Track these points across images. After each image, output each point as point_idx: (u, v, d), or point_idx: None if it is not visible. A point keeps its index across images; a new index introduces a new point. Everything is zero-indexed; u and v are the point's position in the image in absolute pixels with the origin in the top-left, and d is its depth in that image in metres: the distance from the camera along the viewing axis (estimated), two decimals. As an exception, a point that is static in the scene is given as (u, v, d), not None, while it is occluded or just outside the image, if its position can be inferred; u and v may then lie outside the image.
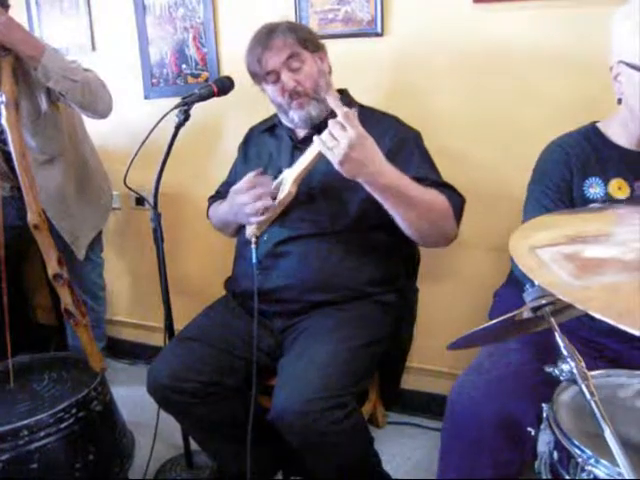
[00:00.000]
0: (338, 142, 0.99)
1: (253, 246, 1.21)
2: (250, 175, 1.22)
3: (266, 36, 1.21)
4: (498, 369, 0.98)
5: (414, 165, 1.18)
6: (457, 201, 1.18)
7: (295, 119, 1.25)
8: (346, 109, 1.01)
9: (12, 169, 1.33)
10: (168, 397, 1.19)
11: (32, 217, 1.29)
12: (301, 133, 1.29)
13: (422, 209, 1.10)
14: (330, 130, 1.01)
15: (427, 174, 1.18)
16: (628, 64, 0.98)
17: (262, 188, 1.19)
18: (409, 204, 1.08)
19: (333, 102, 1.02)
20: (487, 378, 0.96)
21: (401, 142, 1.22)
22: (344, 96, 1.33)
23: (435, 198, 1.12)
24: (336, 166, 1.03)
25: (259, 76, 1.24)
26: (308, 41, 1.22)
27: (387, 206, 1.09)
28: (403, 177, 1.07)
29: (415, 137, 1.27)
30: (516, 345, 1.02)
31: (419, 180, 1.12)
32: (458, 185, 1.37)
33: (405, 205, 1.08)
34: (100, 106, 1.49)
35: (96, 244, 1.82)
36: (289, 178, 1.17)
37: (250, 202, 1.19)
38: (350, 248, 1.23)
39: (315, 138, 1.04)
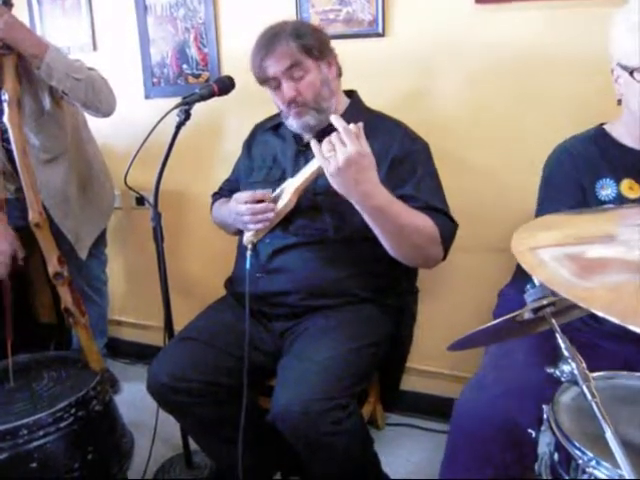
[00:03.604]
0: (335, 154, 0.99)
1: (249, 252, 1.21)
2: (260, 191, 1.21)
3: (269, 41, 1.18)
4: (503, 379, 0.97)
5: (413, 182, 1.17)
6: (447, 227, 1.16)
7: (294, 126, 1.25)
8: (352, 125, 1.00)
9: (16, 169, 1.33)
10: (168, 397, 1.18)
11: (33, 216, 1.29)
12: (306, 137, 1.27)
13: (408, 234, 1.09)
14: (331, 140, 1.00)
15: (423, 194, 1.15)
16: (622, 66, 0.99)
17: (263, 205, 1.17)
18: (395, 228, 1.08)
19: (335, 120, 1.01)
20: (492, 389, 0.95)
21: (406, 154, 1.20)
22: (354, 99, 1.31)
23: (424, 224, 1.11)
24: (328, 177, 1.03)
25: (261, 80, 1.23)
26: (314, 48, 1.18)
27: (372, 225, 1.09)
28: (394, 202, 1.07)
29: (422, 150, 1.24)
30: (521, 351, 1.01)
31: (413, 199, 1.12)
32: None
33: (391, 228, 1.08)
34: (103, 105, 1.49)
35: (100, 241, 1.82)
36: (290, 188, 1.17)
37: (247, 215, 1.19)
38: (353, 255, 1.23)
39: (313, 143, 1.03)
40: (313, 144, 1.04)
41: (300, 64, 1.17)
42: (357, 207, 1.06)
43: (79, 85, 1.40)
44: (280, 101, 1.22)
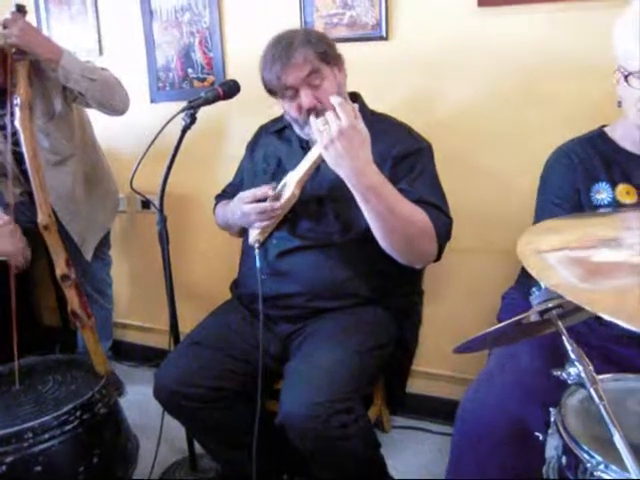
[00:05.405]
0: (329, 126, 1.01)
1: (256, 251, 1.22)
2: (260, 188, 1.21)
3: (285, 50, 1.16)
4: (509, 381, 0.96)
5: (410, 177, 1.17)
6: (441, 221, 1.15)
7: (311, 135, 1.22)
8: (343, 101, 1.03)
9: (23, 173, 1.34)
10: (175, 403, 1.19)
11: (42, 218, 1.30)
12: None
13: (401, 221, 1.08)
14: (325, 115, 1.03)
15: (419, 189, 1.15)
16: (620, 68, 0.99)
17: (267, 203, 1.18)
18: (388, 212, 1.06)
19: (333, 98, 1.04)
20: (498, 391, 0.95)
21: (407, 153, 1.20)
22: (357, 102, 1.31)
23: (417, 214, 1.10)
24: (322, 150, 1.05)
25: (276, 91, 1.21)
26: (327, 54, 1.19)
27: (365, 210, 1.08)
28: (387, 184, 1.06)
29: (423, 150, 1.24)
30: (527, 354, 1.01)
31: (407, 192, 1.12)
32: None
33: (383, 213, 1.06)
34: (118, 103, 1.53)
35: (104, 243, 1.83)
36: (292, 181, 1.17)
37: (253, 214, 1.20)
38: (359, 257, 1.23)
39: (312, 118, 1.06)
40: (312, 119, 1.07)
41: (318, 71, 1.17)
42: (349, 185, 1.05)
43: (95, 85, 1.43)
44: (297, 111, 1.20)
